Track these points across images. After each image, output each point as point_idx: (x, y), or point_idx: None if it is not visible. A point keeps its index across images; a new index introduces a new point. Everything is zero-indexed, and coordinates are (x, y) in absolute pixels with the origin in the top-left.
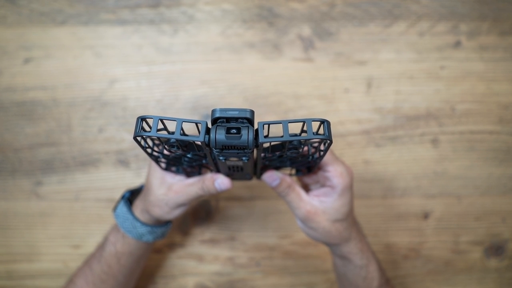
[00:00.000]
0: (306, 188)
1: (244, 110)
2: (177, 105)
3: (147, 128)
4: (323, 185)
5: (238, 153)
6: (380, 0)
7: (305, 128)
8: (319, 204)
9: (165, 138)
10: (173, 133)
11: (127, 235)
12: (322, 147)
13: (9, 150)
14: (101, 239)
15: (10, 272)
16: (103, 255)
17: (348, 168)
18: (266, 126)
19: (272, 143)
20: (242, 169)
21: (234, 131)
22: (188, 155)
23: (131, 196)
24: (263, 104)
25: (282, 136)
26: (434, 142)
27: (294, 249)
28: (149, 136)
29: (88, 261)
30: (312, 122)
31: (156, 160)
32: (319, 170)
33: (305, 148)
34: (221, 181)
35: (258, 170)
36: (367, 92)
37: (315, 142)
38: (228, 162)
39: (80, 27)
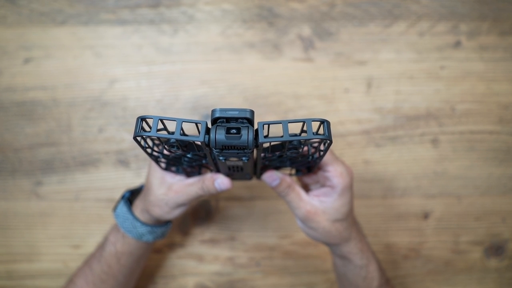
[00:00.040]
0: (306, 188)
1: (244, 110)
2: (177, 105)
3: (147, 128)
4: (323, 185)
5: (238, 153)
6: (380, 0)
7: (305, 128)
8: (319, 204)
9: (165, 138)
10: (173, 133)
11: (127, 235)
12: (322, 147)
13: (9, 150)
14: (101, 239)
15: (10, 272)
16: (103, 255)
17: (348, 168)
18: (266, 126)
19: (272, 143)
20: (242, 169)
21: (234, 131)
22: (188, 155)
23: (131, 196)
24: (263, 104)
25: (282, 136)
26: (434, 142)
27: (294, 249)
28: (149, 136)
29: (88, 261)
30: (312, 122)
31: (156, 160)
32: (319, 170)
33: (305, 148)
34: (221, 181)
35: (258, 170)
36: (367, 92)
37: (315, 142)
38: (228, 162)
39: (80, 27)
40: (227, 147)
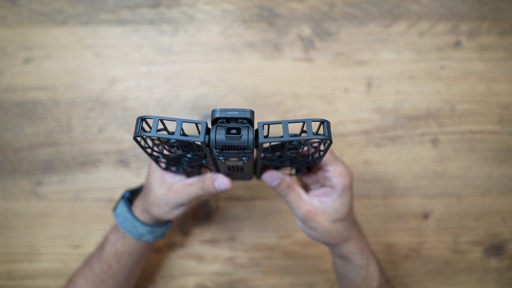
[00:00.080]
0: (306, 188)
1: (244, 110)
2: (177, 105)
3: (147, 128)
4: (323, 185)
5: (238, 153)
6: (380, 0)
7: (305, 128)
8: (319, 204)
9: (165, 138)
10: (173, 133)
11: (127, 235)
12: (322, 147)
13: (9, 150)
14: (101, 239)
15: (10, 272)
16: (103, 255)
17: (348, 168)
18: (266, 126)
19: (272, 143)
20: (242, 169)
21: (234, 131)
22: (188, 155)
23: (131, 196)
24: (263, 104)
25: (282, 136)
26: (434, 142)
27: (294, 249)
28: (149, 136)
29: (88, 261)
30: (312, 122)
31: (156, 160)
32: (319, 170)
33: (305, 148)
34: (221, 181)
35: (258, 170)
36: (367, 92)
37: (315, 142)
38: (228, 162)
39: (80, 27)
40: (227, 147)
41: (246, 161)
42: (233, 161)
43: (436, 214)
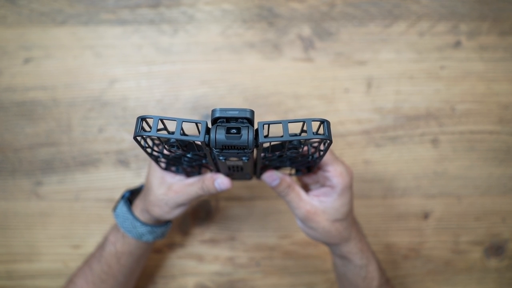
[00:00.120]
0: (306, 188)
1: (244, 110)
2: (177, 105)
3: (147, 128)
4: (323, 185)
5: (238, 153)
6: (380, 0)
7: (305, 128)
8: (319, 204)
9: (165, 138)
10: (173, 133)
11: (127, 234)
12: (322, 147)
13: (9, 150)
14: (101, 239)
15: (10, 272)
16: (103, 255)
17: (348, 168)
18: (266, 126)
19: (272, 143)
20: (242, 169)
21: (234, 131)
22: (188, 155)
23: (131, 196)
24: (263, 104)
25: (282, 136)
26: (434, 142)
27: (294, 249)
28: (149, 136)
29: (88, 261)
30: (312, 122)
31: (156, 160)
32: (319, 170)
33: (305, 148)
34: (221, 181)
35: (258, 170)
36: (367, 92)
37: (315, 142)
38: (228, 162)
39: (80, 27)
40: (227, 147)
41: (246, 161)
42: (233, 161)
43: (436, 214)
